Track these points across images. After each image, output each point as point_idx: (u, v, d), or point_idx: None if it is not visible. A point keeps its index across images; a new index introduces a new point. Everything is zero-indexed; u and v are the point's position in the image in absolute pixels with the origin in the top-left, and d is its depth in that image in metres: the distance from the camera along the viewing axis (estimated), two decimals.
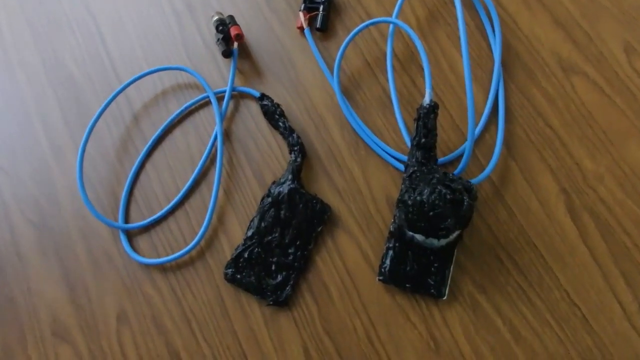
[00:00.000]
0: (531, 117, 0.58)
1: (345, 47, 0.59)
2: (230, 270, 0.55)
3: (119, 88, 0.60)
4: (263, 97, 0.59)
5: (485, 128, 0.58)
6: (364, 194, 0.57)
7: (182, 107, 0.61)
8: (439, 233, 0.49)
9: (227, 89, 0.60)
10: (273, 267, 0.54)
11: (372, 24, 0.57)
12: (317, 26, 0.63)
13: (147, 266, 0.56)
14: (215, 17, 0.62)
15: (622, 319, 0.51)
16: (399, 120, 0.58)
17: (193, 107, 0.61)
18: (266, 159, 0.58)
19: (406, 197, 0.49)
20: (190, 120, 0.61)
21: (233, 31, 0.61)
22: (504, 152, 0.57)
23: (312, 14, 0.63)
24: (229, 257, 0.56)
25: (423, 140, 0.52)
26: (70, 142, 0.61)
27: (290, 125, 0.58)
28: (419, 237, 0.53)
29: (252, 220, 0.56)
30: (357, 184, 0.57)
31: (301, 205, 0.55)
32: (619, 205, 0.54)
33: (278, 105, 0.59)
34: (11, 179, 0.60)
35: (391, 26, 0.62)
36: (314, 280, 0.55)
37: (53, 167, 0.60)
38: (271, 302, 0.54)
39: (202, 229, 0.55)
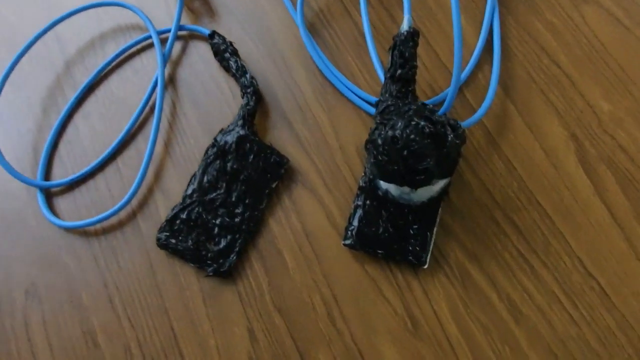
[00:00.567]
0: (533, 54, 0.48)
1: None
2: (164, 234, 0.45)
3: (45, 26, 0.51)
4: (214, 34, 0.50)
5: (478, 67, 0.48)
6: (331, 144, 0.47)
7: (120, 49, 0.51)
8: (417, 179, 0.39)
9: (172, 27, 0.51)
10: (216, 231, 0.44)
11: None
12: None
13: (67, 231, 0.46)
14: None
15: None
16: (375, 60, 0.48)
17: (134, 49, 0.52)
18: (216, 106, 0.49)
19: (376, 134, 0.39)
20: (130, 65, 0.52)
21: None
22: (500, 94, 0.47)
23: None
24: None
25: (399, 71, 0.42)
26: None
27: (244, 65, 0.49)
28: (393, 189, 0.43)
29: (193, 176, 0.46)
30: (322, 132, 0.47)
31: (252, 156, 0.46)
32: None
33: (230, 43, 0.50)
34: None
35: None
36: (266, 247, 0.45)
37: None
38: (211, 273, 0.44)
39: (134, 186, 0.46)
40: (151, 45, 0.52)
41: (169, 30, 0.52)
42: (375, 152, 0.39)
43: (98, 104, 0.50)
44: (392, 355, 0.41)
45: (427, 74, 0.48)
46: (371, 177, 0.44)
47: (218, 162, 0.46)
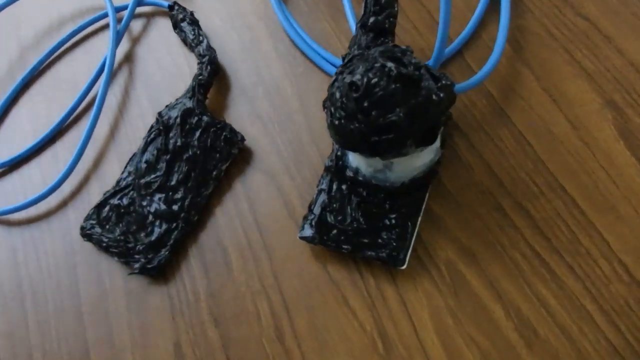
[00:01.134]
0: (553, 7, 0.38)
1: None
2: (90, 222, 0.37)
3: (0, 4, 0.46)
4: (174, 5, 0.44)
5: (482, 27, 0.38)
6: (297, 121, 0.38)
7: (74, 29, 0.46)
8: (383, 139, 0.29)
9: (130, 1, 0.45)
10: (150, 219, 0.36)
11: None
12: None
13: None
14: None
15: None
16: (352, 23, 0.40)
17: (91, 29, 0.46)
18: (171, 84, 0.42)
19: (334, 87, 0.30)
20: (85, 46, 0.46)
21: None
22: (509, 54, 0.37)
23: None
24: None
25: (372, 19, 0.33)
26: None
27: (202, 34, 0.41)
28: (364, 166, 0.33)
29: (133, 156, 0.38)
30: (288, 108, 0.39)
31: (199, 132, 0.37)
32: None
33: (191, 13, 0.43)
34: None
35: None
36: (208, 241, 0.36)
37: None
38: (136, 270, 0.35)
39: (64, 170, 0.38)
40: (109, 24, 0.46)
41: (126, 6, 0.46)
42: (332, 109, 0.30)
43: (45, 87, 0.44)
44: None
45: (420, 38, 0.39)
46: (338, 152, 0.35)
47: (160, 139, 0.38)
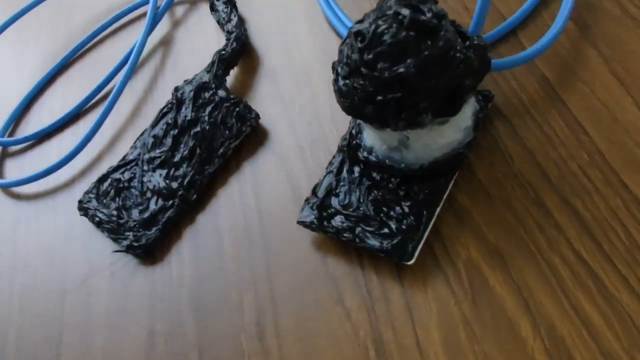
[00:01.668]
0: None
1: None
2: (89, 196, 0.34)
3: None
4: None
5: (543, 3, 0.33)
6: (320, 104, 0.34)
7: (119, 12, 0.45)
8: (389, 98, 0.24)
9: None
10: (147, 196, 0.33)
11: None
12: None
13: None
14: None
15: None
16: None
17: (135, 13, 0.46)
18: (199, 68, 0.39)
19: (344, 43, 0.26)
20: (128, 29, 0.45)
21: None
22: (571, 32, 0.31)
23: None
24: None
25: None
26: None
27: (235, 12, 0.39)
28: (378, 144, 0.28)
29: (143, 131, 0.36)
30: (313, 90, 0.35)
31: (211, 107, 0.34)
32: None
33: None
34: None
35: None
36: (203, 223, 0.32)
37: None
38: (122, 248, 0.32)
39: (73, 147, 0.37)
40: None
41: None
42: (338, 68, 0.26)
43: (83, 68, 0.44)
44: None
45: (467, 14, 0.34)
46: (353, 130, 0.30)
47: (171, 114, 0.35)
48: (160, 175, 0.33)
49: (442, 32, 0.24)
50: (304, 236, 0.29)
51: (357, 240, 0.27)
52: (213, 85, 0.35)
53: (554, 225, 0.26)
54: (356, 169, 0.29)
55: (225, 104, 0.34)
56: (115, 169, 0.35)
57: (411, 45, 0.24)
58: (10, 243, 0.36)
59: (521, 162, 0.28)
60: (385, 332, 0.25)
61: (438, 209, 0.27)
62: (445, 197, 0.27)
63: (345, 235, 0.27)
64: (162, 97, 0.39)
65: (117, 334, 0.30)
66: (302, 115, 0.34)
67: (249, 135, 0.34)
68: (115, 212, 0.33)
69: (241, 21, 0.39)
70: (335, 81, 0.26)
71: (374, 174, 0.29)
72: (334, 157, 0.30)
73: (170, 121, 0.35)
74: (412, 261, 0.26)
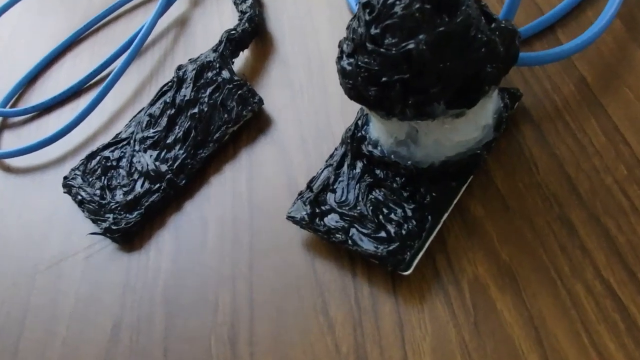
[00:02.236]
0: None
1: None
2: (75, 172, 0.32)
3: None
4: None
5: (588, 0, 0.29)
6: (330, 94, 0.31)
7: None
8: (396, 80, 0.21)
9: None
10: (135, 177, 0.30)
11: None
12: None
13: None
14: None
15: None
16: None
17: None
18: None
19: (352, 19, 0.23)
20: (145, 7, 0.43)
21: None
22: (618, 31, 0.27)
23: None
24: None
25: None
26: None
27: None
28: (384, 137, 0.25)
29: (141, 110, 0.34)
30: (325, 81, 0.32)
31: (212, 88, 0.32)
32: None
33: None
34: None
35: None
36: (190, 211, 0.29)
37: None
38: (100, 231, 0.29)
39: (71, 120, 0.34)
40: None
41: None
42: (343, 46, 0.23)
43: (93, 45, 0.42)
44: None
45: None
46: (359, 120, 0.27)
47: (170, 93, 0.33)
48: (151, 156, 0.31)
49: (462, 7, 0.21)
50: (294, 234, 0.26)
51: (350, 242, 0.24)
52: (217, 65, 0.32)
53: (579, 247, 0.22)
54: (358, 164, 0.26)
55: (228, 86, 0.31)
56: (106, 146, 0.32)
57: (425, 19, 0.20)
58: None
59: (547, 172, 0.24)
60: (371, 351, 0.22)
61: (445, 216, 0.23)
62: (455, 203, 0.24)
63: (337, 236, 0.24)
64: (169, 77, 0.36)
65: (82, 323, 0.27)
66: (309, 105, 0.31)
67: (251, 122, 0.31)
68: (98, 192, 0.30)
69: (257, 2, 0.36)
70: (339, 59, 0.23)
71: (378, 171, 0.25)
72: (335, 149, 0.27)
73: (168, 100, 0.32)
74: (409, 272, 0.22)
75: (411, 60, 0.20)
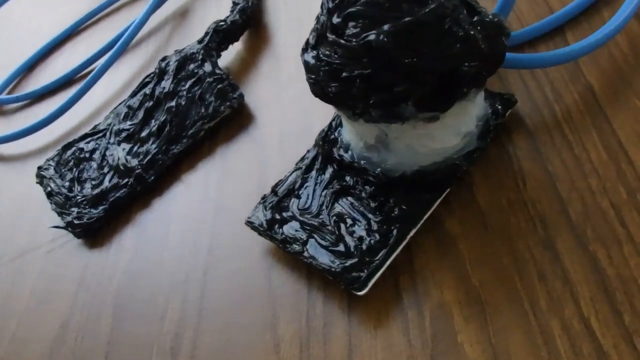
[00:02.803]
0: None
1: None
2: (49, 163, 0.31)
3: None
4: None
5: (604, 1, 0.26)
6: None
7: None
8: (355, 75, 0.19)
9: None
10: (105, 170, 0.29)
11: None
12: None
13: None
14: None
15: None
16: None
17: None
18: None
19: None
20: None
21: None
22: (635, 34, 0.24)
23: None
24: None
25: None
26: None
27: None
28: (355, 140, 0.23)
29: (122, 102, 0.32)
30: None
31: (192, 82, 0.30)
32: None
33: None
34: None
35: None
36: (156, 209, 0.28)
37: None
38: (62, 225, 0.28)
39: (53, 111, 0.33)
40: None
41: None
42: (309, 37, 0.21)
43: (91, 36, 0.41)
44: None
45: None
46: (334, 121, 0.25)
47: (151, 85, 0.31)
48: (124, 149, 0.29)
49: None
50: (255, 241, 0.24)
51: (306, 254, 0.21)
52: (200, 58, 0.30)
53: (561, 278, 0.19)
54: (329, 169, 0.24)
55: (208, 79, 0.29)
56: (82, 137, 0.31)
57: (391, 7, 0.18)
58: None
59: (535, 189, 0.21)
60: None
61: (413, 231, 0.21)
62: (427, 217, 0.21)
63: (293, 246, 0.22)
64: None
65: (32, 320, 0.26)
66: (293, 102, 0.29)
67: (231, 118, 0.29)
68: (67, 184, 0.29)
69: None
70: (303, 51, 0.21)
71: (348, 178, 0.23)
72: (308, 151, 0.25)
73: (148, 92, 0.31)
74: (364, 292, 0.20)
75: (372, 53, 0.18)
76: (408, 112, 0.19)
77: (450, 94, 0.19)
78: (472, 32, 0.19)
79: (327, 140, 0.24)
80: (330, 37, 0.19)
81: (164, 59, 0.32)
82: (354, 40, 0.18)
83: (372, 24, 0.18)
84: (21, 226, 0.30)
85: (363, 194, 0.22)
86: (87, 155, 0.30)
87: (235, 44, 0.33)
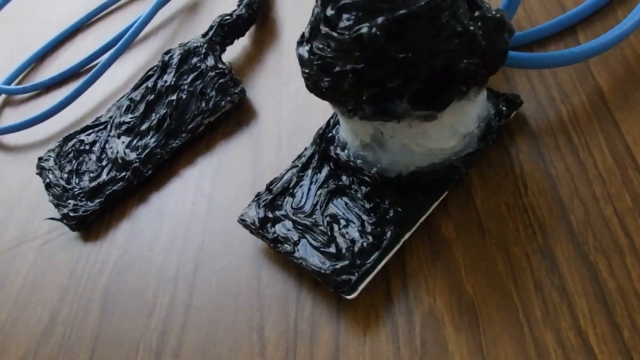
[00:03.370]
0: None
1: None
2: (49, 154, 0.31)
3: None
4: None
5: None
6: None
7: None
8: (347, 70, 0.18)
9: None
10: (104, 163, 0.29)
11: None
12: None
13: None
14: None
15: None
16: None
17: None
18: None
19: None
20: None
21: None
22: None
23: None
24: None
25: None
26: None
27: None
28: (351, 138, 0.22)
29: (124, 95, 0.32)
30: None
31: (194, 75, 0.29)
32: None
33: None
34: None
35: None
36: (151, 203, 0.27)
37: None
38: (57, 217, 0.28)
39: (61, 100, 0.33)
40: None
41: None
42: (304, 31, 0.20)
43: (103, 26, 0.41)
44: None
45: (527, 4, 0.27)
46: (332, 118, 0.24)
47: (153, 78, 0.31)
48: (123, 142, 0.29)
49: None
50: (247, 239, 0.23)
51: (296, 254, 0.21)
52: (203, 52, 0.30)
53: (558, 288, 0.18)
54: (325, 168, 0.23)
55: (210, 74, 0.29)
56: (84, 129, 0.31)
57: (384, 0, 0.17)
58: None
59: (536, 194, 0.20)
60: None
61: (408, 235, 0.20)
62: (422, 220, 0.20)
63: (284, 245, 0.21)
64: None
65: (22, 311, 0.25)
66: (294, 98, 0.28)
67: (231, 113, 0.29)
68: (66, 176, 0.29)
69: None
70: (298, 44, 0.20)
71: (344, 177, 0.22)
72: (305, 149, 0.24)
73: (150, 85, 0.30)
74: (353, 296, 0.19)
75: (364, 47, 0.17)
76: (402, 109, 0.19)
77: (445, 93, 0.18)
78: (471, 28, 0.18)
79: (325, 138, 0.23)
80: (324, 29, 0.18)
81: (167, 52, 0.31)
82: (347, 33, 0.18)
83: (366, 16, 0.17)
84: (18, 217, 0.30)
85: (358, 195, 0.22)
86: (87, 147, 0.30)
87: (242, 38, 0.32)
